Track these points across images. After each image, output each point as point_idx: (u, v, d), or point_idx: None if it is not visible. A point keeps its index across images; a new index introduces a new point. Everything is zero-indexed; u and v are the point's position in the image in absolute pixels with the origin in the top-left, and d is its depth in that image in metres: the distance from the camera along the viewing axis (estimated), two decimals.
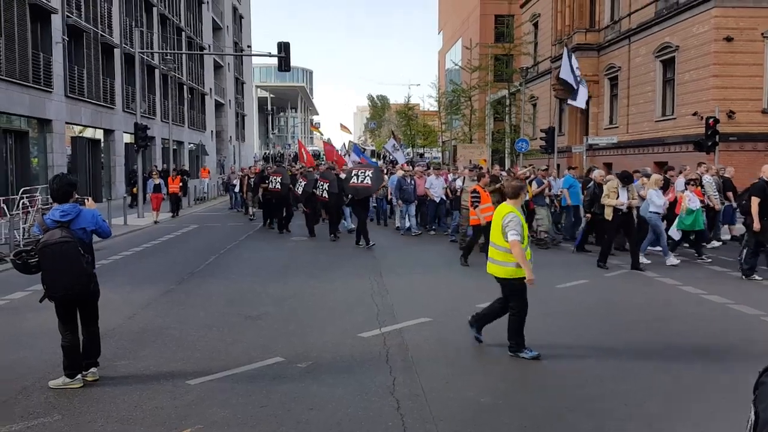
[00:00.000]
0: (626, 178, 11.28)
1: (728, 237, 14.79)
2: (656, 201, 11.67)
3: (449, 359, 6.16)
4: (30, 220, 14.54)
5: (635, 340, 6.89)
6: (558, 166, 21.66)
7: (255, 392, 5.23)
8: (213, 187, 33.66)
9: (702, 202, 12.27)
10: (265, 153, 74.20)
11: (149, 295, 9.15)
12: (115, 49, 30.52)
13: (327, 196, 15.34)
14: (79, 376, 5.41)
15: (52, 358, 5.81)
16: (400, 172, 17.58)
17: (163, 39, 38.83)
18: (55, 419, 4.74)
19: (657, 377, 5.68)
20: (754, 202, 10.05)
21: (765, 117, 21.38)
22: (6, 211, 14.67)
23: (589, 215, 12.04)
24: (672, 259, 11.56)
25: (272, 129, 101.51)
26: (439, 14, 72.20)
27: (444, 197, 16.56)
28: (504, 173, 16.09)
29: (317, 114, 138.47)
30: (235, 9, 63.65)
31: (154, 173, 21.50)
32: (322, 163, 24.73)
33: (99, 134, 29.74)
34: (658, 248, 12.01)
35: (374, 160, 38.42)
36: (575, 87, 20.75)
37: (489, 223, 11.31)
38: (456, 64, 47.64)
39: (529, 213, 12.71)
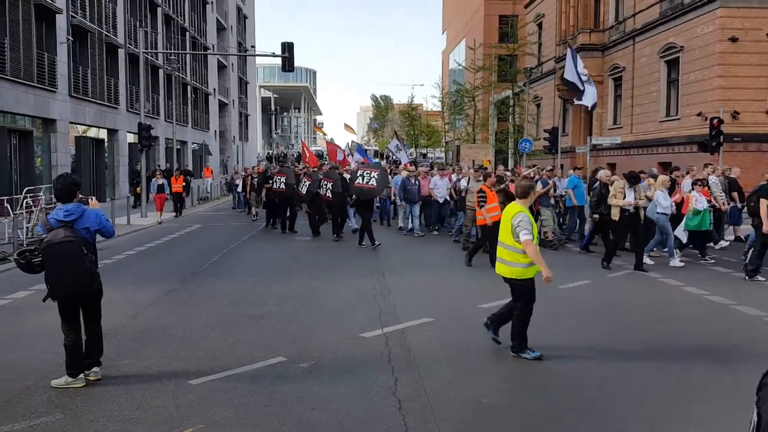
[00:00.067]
0: (633, 179, 11.23)
1: (732, 238, 14.75)
2: (663, 202, 11.64)
3: (451, 360, 6.15)
4: (33, 219, 14.58)
5: (638, 340, 6.88)
6: (561, 166, 21.59)
7: (257, 392, 5.24)
8: (216, 187, 33.69)
9: (709, 202, 12.25)
10: (269, 153, 74.28)
11: (152, 294, 9.17)
12: (119, 50, 30.60)
13: (331, 196, 15.33)
14: (81, 375, 5.42)
15: (55, 357, 5.82)
16: (404, 173, 17.54)
17: (167, 39, 38.91)
18: (57, 418, 4.75)
19: (659, 378, 5.66)
20: (763, 204, 10.04)
21: None
22: (10, 210, 14.72)
23: (597, 216, 12.00)
24: (676, 261, 11.54)
25: (275, 129, 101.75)
26: (443, 14, 72.20)
27: (448, 198, 16.52)
28: (508, 173, 16.07)
29: (320, 114, 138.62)
30: (239, 9, 63.77)
31: (157, 173, 21.53)
32: (326, 163, 24.75)
33: (103, 134, 29.82)
34: (666, 250, 12.00)
35: (376, 160, 38.42)
36: (581, 87, 20.64)
37: (495, 224, 11.37)
38: (460, 65, 47.58)
39: (533, 214, 12.68)
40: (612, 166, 25.10)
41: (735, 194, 14.32)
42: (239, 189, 24.77)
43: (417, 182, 16.41)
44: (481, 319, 7.77)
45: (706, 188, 12.62)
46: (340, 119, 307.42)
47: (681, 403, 5.14)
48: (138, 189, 23.90)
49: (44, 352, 6.27)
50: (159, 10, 37.58)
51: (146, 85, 29.00)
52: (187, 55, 42.81)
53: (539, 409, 5.00)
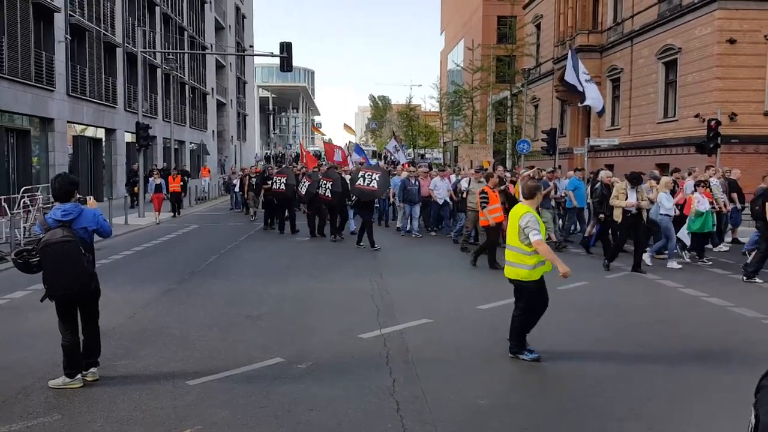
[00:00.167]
0: (635, 179, 11.23)
1: (730, 239, 14.79)
2: (666, 203, 11.66)
3: (449, 361, 6.15)
4: (31, 219, 14.55)
5: (636, 341, 6.88)
6: (559, 167, 21.61)
7: (255, 393, 5.23)
8: (214, 187, 33.65)
9: (711, 204, 12.27)
10: (267, 153, 74.25)
11: (150, 294, 9.15)
12: (117, 49, 30.53)
13: (330, 195, 15.26)
14: (79, 375, 5.41)
15: (52, 357, 5.80)
16: (404, 173, 17.52)
17: (165, 38, 38.86)
18: (54, 419, 4.74)
19: (658, 379, 5.67)
20: None
21: (767, 119, 21.35)
22: (7, 209, 14.68)
23: (603, 216, 12.02)
24: (674, 263, 11.55)
25: (273, 129, 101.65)
26: (442, 15, 72.22)
27: (448, 199, 16.49)
28: (507, 174, 16.07)
29: (318, 114, 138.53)
30: (237, 9, 63.71)
31: (155, 173, 21.49)
32: (323, 163, 24.72)
33: (101, 133, 29.76)
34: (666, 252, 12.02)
35: (374, 160, 38.42)
36: (580, 89, 20.62)
37: (498, 224, 11.38)
38: (458, 65, 47.65)
39: None
40: (610, 167, 25.16)
41: (734, 195, 14.34)
42: (237, 189, 24.76)
43: (417, 183, 16.36)
44: (480, 320, 7.79)
45: (708, 190, 12.64)
46: (339, 119, 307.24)
47: (681, 403, 5.15)
48: (136, 189, 23.87)
49: (42, 352, 6.25)
50: (157, 9, 37.51)
51: (144, 84, 28.97)
52: (186, 55, 42.76)
53: (538, 411, 5.00)
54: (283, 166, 25.53)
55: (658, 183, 12.36)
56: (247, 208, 22.34)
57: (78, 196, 5.61)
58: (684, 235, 12.05)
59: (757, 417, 1.68)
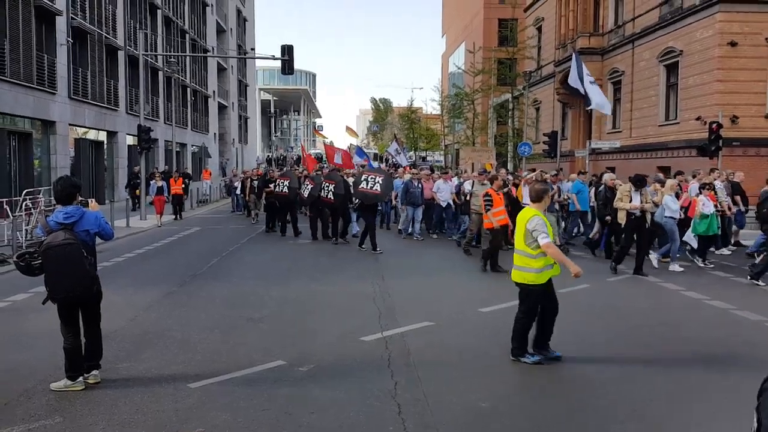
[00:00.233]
0: (639, 182, 11.23)
1: (732, 242, 14.76)
2: (672, 206, 11.66)
3: (451, 363, 6.14)
4: (33, 221, 14.56)
5: (637, 344, 6.88)
6: (561, 169, 21.60)
7: (256, 396, 5.23)
8: (215, 190, 33.68)
9: (715, 206, 12.26)
10: (268, 155, 74.29)
11: (151, 297, 9.16)
12: (119, 52, 30.60)
13: (333, 198, 15.23)
14: (80, 378, 5.41)
15: (54, 360, 5.80)
16: (407, 176, 17.48)
17: (167, 41, 38.94)
18: (56, 422, 4.74)
19: (660, 381, 5.66)
20: None
21: None
22: (9, 212, 14.70)
23: (609, 218, 12.02)
24: (676, 266, 11.54)
25: (275, 131, 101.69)
26: (443, 18, 72.32)
27: (451, 202, 16.46)
28: (510, 177, 16.04)
29: (320, 117, 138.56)
30: (239, 12, 63.83)
31: (156, 175, 21.51)
32: (325, 165, 24.72)
33: (102, 136, 29.82)
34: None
35: (375, 163, 38.42)
36: (582, 93, 20.51)
37: (503, 227, 11.37)
38: (459, 68, 47.67)
39: None
40: (611, 170, 25.15)
41: (738, 198, 14.33)
42: (238, 191, 24.77)
43: (420, 185, 16.34)
44: (482, 322, 7.79)
45: (713, 193, 12.63)
46: (340, 122, 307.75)
47: (682, 404, 5.15)
48: (138, 191, 23.90)
49: (44, 355, 6.25)
50: (159, 12, 37.61)
51: (146, 87, 29.04)
52: (187, 58, 42.84)
53: (540, 413, 5.00)
54: (285, 169, 25.53)
55: (662, 186, 12.35)
56: (248, 211, 22.35)
57: (80, 198, 5.62)
58: (690, 237, 12.04)
59: (759, 420, 1.68)
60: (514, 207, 12.57)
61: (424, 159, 52.88)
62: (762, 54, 21.17)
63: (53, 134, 24.04)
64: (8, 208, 15.09)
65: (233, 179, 27.64)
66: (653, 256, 11.81)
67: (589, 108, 23.68)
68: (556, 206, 14.44)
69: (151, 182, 21.03)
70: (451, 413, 4.91)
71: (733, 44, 21.07)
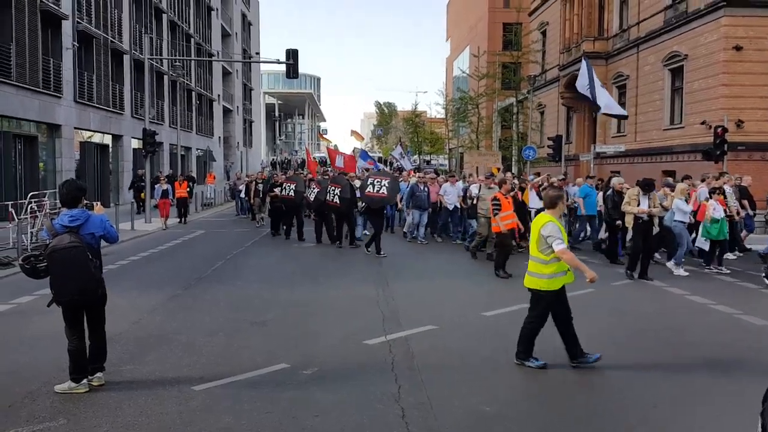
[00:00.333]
0: (647, 186, 11.19)
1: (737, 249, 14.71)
2: (684, 208, 11.62)
3: (455, 367, 6.14)
4: (38, 224, 14.61)
5: (642, 348, 6.85)
6: (565, 173, 21.56)
7: (260, 398, 5.23)
8: (220, 193, 33.74)
9: (725, 211, 12.23)
10: (273, 159, 74.40)
11: (156, 300, 9.17)
12: (124, 56, 30.73)
13: (339, 202, 15.20)
14: (84, 380, 5.42)
15: (59, 362, 5.81)
16: (413, 179, 17.46)
17: (172, 45, 39.09)
18: (60, 424, 4.75)
19: (664, 385, 5.63)
20: None
21: None
22: (14, 215, 14.75)
23: (619, 222, 12.00)
24: (681, 270, 11.50)
25: (279, 135, 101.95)
26: (448, 22, 72.45)
27: (457, 205, 16.43)
28: (516, 181, 16.02)
29: (324, 120, 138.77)
30: (244, 16, 64.04)
31: (162, 179, 21.58)
32: (329, 169, 24.71)
33: (107, 140, 29.93)
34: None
35: (380, 166, 38.41)
36: (590, 98, 20.38)
37: (510, 231, 11.35)
38: (464, 72, 47.71)
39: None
40: (616, 174, 25.12)
41: (745, 202, 14.30)
42: (243, 195, 24.81)
43: (426, 188, 16.28)
44: (485, 326, 7.78)
45: (722, 197, 12.59)
46: (344, 126, 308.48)
47: (685, 407, 5.14)
48: (143, 194, 23.95)
49: (48, 357, 6.26)
50: (164, 16, 37.77)
51: (151, 91, 29.15)
52: (192, 62, 42.98)
53: (544, 417, 4.98)
54: (290, 172, 25.54)
55: (672, 190, 12.32)
56: (253, 214, 22.38)
57: (85, 201, 5.64)
58: (701, 242, 11.99)
59: (764, 426, 1.67)
60: (519, 211, 12.57)
61: (428, 162, 52.88)
62: (767, 58, 21.12)
63: (59, 137, 24.15)
64: (14, 211, 15.13)
65: (237, 182, 27.68)
66: (671, 264, 11.74)
67: (600, 113, 23.58)
68: (564, 210, 14.41)
69: (156, 186, 21.07)
70: (454, 417, 4.90)
71: (738, 48, 21.04)
